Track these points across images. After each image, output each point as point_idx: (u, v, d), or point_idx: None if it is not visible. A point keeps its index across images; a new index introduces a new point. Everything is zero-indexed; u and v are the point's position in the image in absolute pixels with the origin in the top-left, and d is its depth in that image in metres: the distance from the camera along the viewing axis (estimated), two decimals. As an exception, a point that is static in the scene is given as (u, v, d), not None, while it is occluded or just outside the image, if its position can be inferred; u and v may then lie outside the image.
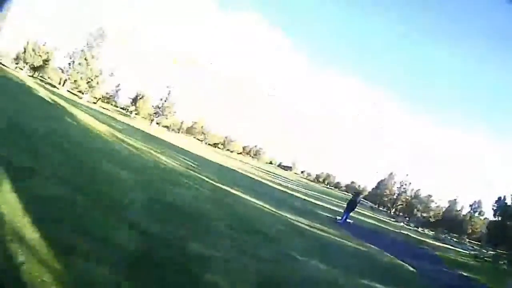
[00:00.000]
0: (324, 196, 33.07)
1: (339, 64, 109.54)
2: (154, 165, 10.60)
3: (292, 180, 54.88)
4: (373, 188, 67.97)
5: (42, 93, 18.89)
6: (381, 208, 55.90)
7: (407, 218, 46.60)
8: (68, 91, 35.84)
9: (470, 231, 41.05)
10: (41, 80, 35.94)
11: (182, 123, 59.06)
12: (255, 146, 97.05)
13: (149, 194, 6.07)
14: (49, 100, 17.13)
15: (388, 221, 32.83)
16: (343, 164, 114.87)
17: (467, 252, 22.62)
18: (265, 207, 10.42)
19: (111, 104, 44.33)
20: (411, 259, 9.30)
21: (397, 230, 22.61)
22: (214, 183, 11.59)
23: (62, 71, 37.57)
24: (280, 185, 27.21)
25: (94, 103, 38.29)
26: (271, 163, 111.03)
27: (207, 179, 11.72)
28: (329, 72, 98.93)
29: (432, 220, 45.88)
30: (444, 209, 48.25)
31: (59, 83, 37.96)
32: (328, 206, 20.87)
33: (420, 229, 35.65)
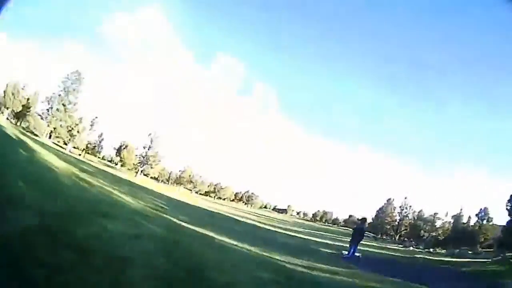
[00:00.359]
0: (324, 233, 31.60)
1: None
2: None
3: (286, 221, 54.36)
4: (372, 218, 65.55)
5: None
6: (384, 237, 54.64)
7: (413, 242, 44.91)
8: (54, 143, 34.76)
9: (482, 239, 39.40)
10: (23, 128, 34.84)
11: (170, 173, 57.59)
12: (247, 191, 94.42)
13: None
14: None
15: (397, 248, 31.44)
16: (338, 200, 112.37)
17: (489, 259, 21.64)
18: (244, 248, 9.26)
19: (96, 156, 43.07)
20: (444, 282, 8.14)
21: (409, 255, 21.50)
22: (181, 223, 10.42)
23: (42, 118, 36.31)
24: (272, 225, 25.80)
25: (79, 154, 37.10)
26: (265, 207, 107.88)
27: (172, 219, 10.56)
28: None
29: (441, 238, 44.00)
30: (451, 224, 46.35)
31: (48, 134, 36.53)
32: (331, 242, 19.58)
33: (431, 250, 34.07)
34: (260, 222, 25.46)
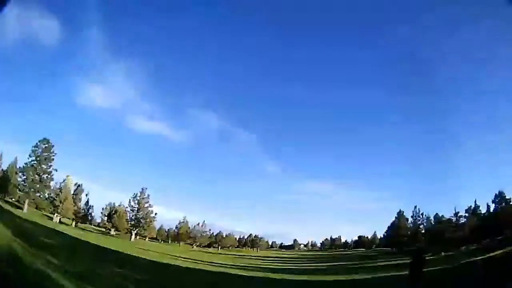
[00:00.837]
0: (338, 263, 29.28)
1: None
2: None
3: (293, 258, 52.99)
4: (385, 235, 63.12)
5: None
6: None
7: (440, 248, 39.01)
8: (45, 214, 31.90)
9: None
10: (5, 201, 32.33)
11: (168, 231, 54.62)
12: (250, 235, 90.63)
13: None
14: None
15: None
16: (343, 222, 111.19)
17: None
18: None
19: (90, 224, 40.07)
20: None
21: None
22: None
23: (19, 190, 33.78)
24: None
25: (69, 225, 34.36)
26: (271, 247, 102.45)
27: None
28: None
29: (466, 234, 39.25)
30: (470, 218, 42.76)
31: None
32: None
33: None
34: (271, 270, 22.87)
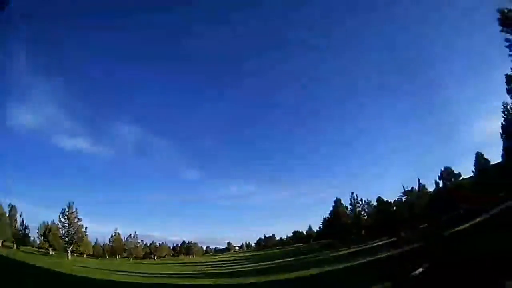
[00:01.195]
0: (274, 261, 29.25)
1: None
2: None
3: (226, 260, 52.02)
4: (324, 227, 60.94)
5: None
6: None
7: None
8: None
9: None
10: None
11: (104, 246, 56.10)
12: (184, 242, 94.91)
13: None
14: None
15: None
16: (273, 220, 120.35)
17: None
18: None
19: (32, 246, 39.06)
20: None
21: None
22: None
23: None
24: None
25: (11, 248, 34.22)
26: (206, 252, 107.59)
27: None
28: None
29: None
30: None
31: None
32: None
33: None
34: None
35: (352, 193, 47.33)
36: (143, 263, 49.94)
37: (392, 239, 30.12)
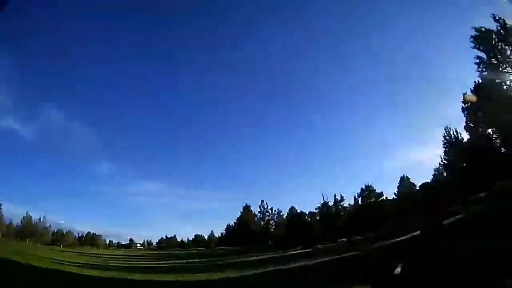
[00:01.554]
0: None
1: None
2: None
3: (137, 256, 52.84)
4: (227, 233, 59.48)
5: None
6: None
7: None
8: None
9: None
10: None
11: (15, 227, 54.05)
12: (88, 233, 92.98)
13: None
14: None
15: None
16: (176, 222, 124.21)
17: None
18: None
19: None
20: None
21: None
22: None
23: None
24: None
25: None
26: (109, 246, 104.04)
27: None
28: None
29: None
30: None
31: None
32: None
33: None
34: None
35: (262, 201, 46.35)
36: (52, 250, 49.33)
37: (306, 250, 31.49)
